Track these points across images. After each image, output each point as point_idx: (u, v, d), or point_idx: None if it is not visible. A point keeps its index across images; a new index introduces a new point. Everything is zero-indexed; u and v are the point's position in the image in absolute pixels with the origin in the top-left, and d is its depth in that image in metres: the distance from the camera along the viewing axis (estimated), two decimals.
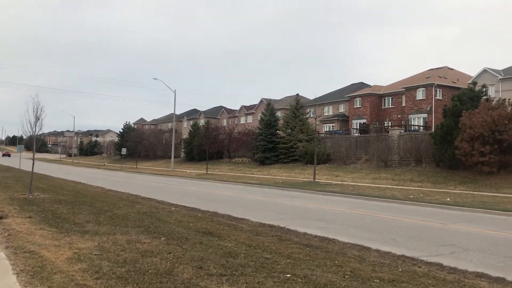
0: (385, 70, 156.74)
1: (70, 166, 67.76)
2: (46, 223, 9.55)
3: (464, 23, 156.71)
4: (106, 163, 74.50)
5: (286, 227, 10.29)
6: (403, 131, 38.73)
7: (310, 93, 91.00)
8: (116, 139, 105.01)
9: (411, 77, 54.24)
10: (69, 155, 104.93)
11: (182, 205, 14.70)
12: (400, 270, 6.23)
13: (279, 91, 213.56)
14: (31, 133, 15.64)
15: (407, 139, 35.23)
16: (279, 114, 55.88)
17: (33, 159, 16.58)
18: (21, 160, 44.67)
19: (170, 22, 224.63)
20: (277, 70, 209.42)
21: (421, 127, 45.71)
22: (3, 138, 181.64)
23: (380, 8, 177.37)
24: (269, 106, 50.22)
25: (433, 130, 43.45)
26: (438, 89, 46.50)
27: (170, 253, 6.81)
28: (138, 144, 72.05)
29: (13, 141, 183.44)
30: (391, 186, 27.28)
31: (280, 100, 75.85)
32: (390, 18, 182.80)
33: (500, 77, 42.24)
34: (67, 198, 15.30)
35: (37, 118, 15.37)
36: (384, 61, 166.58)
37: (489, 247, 9.18)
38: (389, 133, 37.95)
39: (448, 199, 19.96)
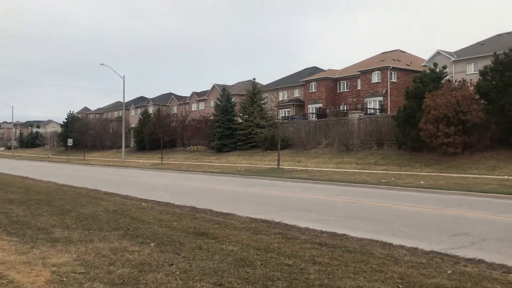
0: (335, 55, 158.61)
1: (10, 159, 63.46)
2: (3, 230, 7.95)
3: (411, 9, 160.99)
4: (50, 155, 70.49)
5: (283, 222, 9.23)
6: (362, 114, 38.62)
7: (262, 79, 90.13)
8: (59, 129, 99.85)
9: (365, 60, 54.46)
10: (8, 148, 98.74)
11: (151, 200, 13.31)
12: (450, 272, 5.32)
13: (228, 77, 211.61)
14: None
15: (367, 123, 35.07)
16: (234, 100, 54.55)
17: None
18: None
19: (114, 11, 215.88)
20: (225, 56, 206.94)
21: (377, 110, 46.00)
22: None
23: None
24: (224, 91, 48.80)
25: (389, 112, 43.86)
26: (393, 72, 46.86)
27: (172, 265, 5.55)
28: (83, 134, 68.46)
29: None
30: (357, 171, 26.89)
31: (232, 86, 74.38)
32: (337, 4, 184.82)
33: (453, 59, 43.06)
34: (19, 197, 13.47)
35: None
36: (334, 47, 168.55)
37: (504, 234, 8.55)
38: (349, 116, 37.71)
39: (422, 182, 19.66)
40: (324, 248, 6.70)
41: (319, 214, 11.13)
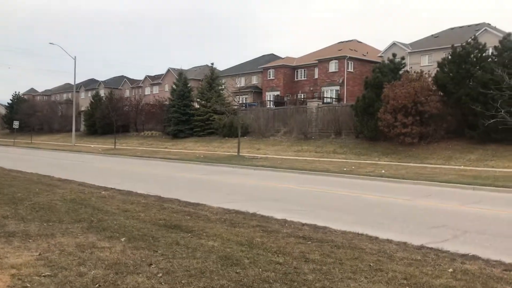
0: (290, 44, 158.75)
1: None
2: None
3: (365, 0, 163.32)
4: None
5: (258, 213, 8.75)
6: (321, 103, 38.71)
7: (218, 65, 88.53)
8: (3, 111, 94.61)
9: (322, 49, 54.60)
10: None
11: (111, 188, 12.47)
12: (451, 270, 5.04)
13: (182, 62, 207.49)
14: None
15: (325, 111, 35.15)
16: (191, 84, 53.33)
17: None
18: None
19: None
20: (178, 40, 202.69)
21: (334, 99, 46.32)
22: None
23: None
24: (181, 75, 47.58)
25: (345, 102, 44.26)
26: (350, 62, 47.23)
27: (151, 264, 4.96)
28: (30, 117, 65.15)
29: None
30: (317, 159, 26.86)
31: (188, 70, 72.77)
32: None
33: (409, 50, 43.89)
34: None
35: None
36: (288, 35, 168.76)
37: (481, 227, 8.49)
38: (307, 105, 37.68)
39: (383, 171, 19.76)
40: (309, 242, 6.29)
41: (292, 204, 10.76)
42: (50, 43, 46.71)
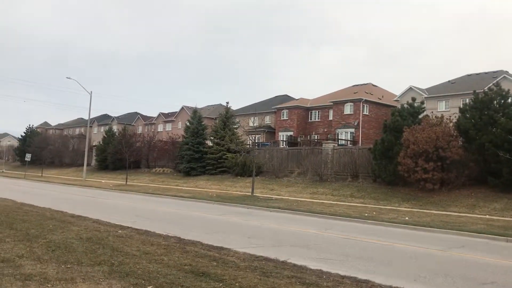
0: (303, 87, 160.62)
1: None
2: None
3: (372, 45, 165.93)
4: (4, 170, 66.67)
5: (290, 262, 8.09)
6: (336, 145, 38.22)
7: (231, 104, 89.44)
8: (15, 143, 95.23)
9: (337, 91, 54.70)
10: None
11: (128, 227, 11.89)
12: None
13: (194, 101, 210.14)
14: None
15: (342, 153, 34.59)
16: (205, 123, 53.33)
17: None
18: None
19: (78, 26, 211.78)
20: (190, 80, 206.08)
21: (349, 142, 45.86)
22: None
23: (294, 29, 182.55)
24: (196, 113, 47.60)
25: (360, 144, 43.78)
26: (365, 105, 47.05)
27: None
28: (42, 150, 65.23)
29: None
30: (334, 202, 26.10)
31: (202, 108, 73.16)
32: (302, 39, 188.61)
33: (425, 95, 43.64)
34: None
35: None
36: (301, 79, 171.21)
37: None
38: (323, 146, 37.18)
39: (407, 218, 18.96)
40: None
41: (321, 252, 10.06)
42: (67, 78, 47.00)
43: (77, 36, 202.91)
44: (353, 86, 54.97)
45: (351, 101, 47.41)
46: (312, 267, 7.64)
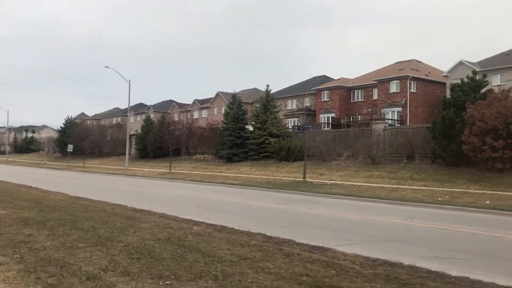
0: (336, 68, 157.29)
1: (5, 165, 60.25)
2: (34, 280, 5.36)
3: (405, 22, 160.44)
4: (46, 161, 67.44)
5: (417, 266, 6.71)
6: (387, 125, 36.33)
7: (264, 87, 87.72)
8: (54, 135, 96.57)
9: (380, 69, 52.37)
10: (1, 153, 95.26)
11: (200, 222, 10.73)
12: None
13: (228, 85, 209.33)
14: None
15: (394, 134, 32.76)
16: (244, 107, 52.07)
17: None
18: None
19: (111, 15, 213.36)
20: (221, 66, 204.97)
21: (396, 121, 43.75)
22: None
23: (320, 9, 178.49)
24: (235, 98, 46.33)
25: (408, 123, 41.68)
26: (412, 82, 44.71)
27: None
28: (82, 141, 65.53)
29: None
30: (396, 186, 24.44)
31: (237, 93, 71.88)
32: (332, 19, 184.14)
33: (478, 69, 40.92)
34: (34, 215, 10.85)
35: None
36: (333, 60, 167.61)
37: None
38: (373, 127, 35.39)
39: (488, 201, 17.24)
40: None
41: (430, 249, 8.60)
42: (106, 67, 46.43)
43: (107, 27, 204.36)
44: (396, 63, 52.50)
45: (396, 78, 45.11)
46: (453, 273, 6.23)
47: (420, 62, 52.14)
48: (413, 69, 46.75)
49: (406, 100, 44.05)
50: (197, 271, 5.91)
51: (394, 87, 45.20)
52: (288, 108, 58.77)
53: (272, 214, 13.82)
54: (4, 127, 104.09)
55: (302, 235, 9.45)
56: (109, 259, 6.45)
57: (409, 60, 51.54)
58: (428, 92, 45.89)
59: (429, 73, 47.81)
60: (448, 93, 38.64)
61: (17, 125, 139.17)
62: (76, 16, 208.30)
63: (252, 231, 9.44)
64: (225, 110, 48.70)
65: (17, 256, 6.40)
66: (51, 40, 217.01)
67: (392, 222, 12.42)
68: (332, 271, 6.21)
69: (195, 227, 9.80)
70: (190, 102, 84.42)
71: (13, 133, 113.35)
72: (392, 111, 45.06)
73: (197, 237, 8.53)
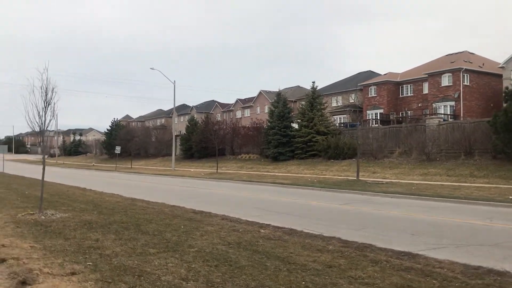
0: (380, 63, 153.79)
1: (56, 167, 61.99)
2: None
3: (450, 15, 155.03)
4: (94, 163, 69.05)
5: (506, 271, 5.89)
6: (441, 120, 34.75)
7: (308, 86, 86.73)
8: (100, 137, 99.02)
9: (430, 62, 50.43)
10: (51, 155, 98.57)
11: (266, 224, 10.16)
12: None
13: (269, 84, 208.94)
14: (39, 124, 10.78)
15: (450, 129, 31.22)
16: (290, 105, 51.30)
17: (43, 164, 11.74)
18: (3, 163, 39.38)
19: (151, 20, 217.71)
20: (262, 65, 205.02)
21: (449, 116, 41.86)
22: None
23: (362, 4, 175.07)
24: (279, 96, 45.70)
25: (461, 118, 39.77)
26: (465, 74, 42.69)
27: None
28: (128, 142, 66.55)
29: None
30: (457, 184, 23.15)
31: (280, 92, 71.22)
32: (377, 13, 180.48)
33: None
34: (95, 218, 10.62)
35: (47, 103, 10.58)
36: (376, 55, 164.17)
37: None
38: (426, 122, 33.93)
39: None
40: None
41: None
42: (151, 68, 46.93)
43: (146, 31, 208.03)
44: (447, 55, 50.37)
45: (449, 71, 43.19)
46: None
47: (473, 53, 49.80)
48: (465, 61, 44.67)
49: (460, 94, 42.10)
50: (285, 281, 5.34)
51: (446, 81, 43.30)
52: (333, 105, 57.60)
53: (337, 215, 13.11)
54: (53, 130, 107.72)
55: (378, 239, 8.76)
56: (186, 266, 5.98)
57: (460, 52, 49.33)
58: (482, 84, 43.72)
59: (483, 64, 45.56)
60: (504, 85, 36.60)
61: (65, 129, 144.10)
62: (120, 20, 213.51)
63: (325, 235, 8.79)
64: (269, 108, 48.18)
65: (90, 263, 6.03)
66: (96, 44, 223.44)
67: (468, 222, 11.46)
68: (434, 281, 5.49)
69: (262, 230, 9.25)
70: (231, 102, 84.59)
71: (62, 136, 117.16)
72: (444, 106, 43.20)
73: (269, 241, 7.97)
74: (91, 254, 6.63)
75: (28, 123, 10.51)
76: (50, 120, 10.76)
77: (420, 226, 10.96)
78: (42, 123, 10.62)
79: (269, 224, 10.07)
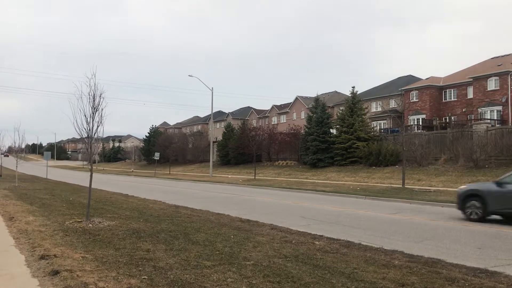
0: (418, 67, 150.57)
1: (96, 173, 62.86)
2: None
3: (485, 18, 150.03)
4: (133, 170, 70.09)
5: None
6: (490, 125, 33.29)
7: (345, 92, 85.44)
8: (139, 144, 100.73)
9: (474, 66, 48.73)
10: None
11: (319, 236, 9.68)
12: None
13: (304, 90, 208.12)
14: (87, 131, 10.68)
15: (499, 135, 29.82)
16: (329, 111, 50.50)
17: (91, 171, 11.65)
18: (44, 169, 40.27)
19: (184, 27, 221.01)
20: (296, 71, 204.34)
21: (496, 121, 40.14)
22: (23, 146, 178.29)
23: (394, 8, 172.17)
24: (318, 102, 45.14)
25: (510, 124, 38.03)
26: None
27: None
28: (166, 149, 67.28)
29: (32, 148, 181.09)
30: None
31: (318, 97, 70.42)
32: (409, 18, 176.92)
33: None
34: (143, 226, 10.39)
35: (95, 109, 10.46)
36: (412, 59, 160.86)
37: None
38: (473, 128, 32.59)
39: None
40: None
41: None
42: (189, 75, 47.56)
43: (185, 39, 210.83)
44: (492, 58, 48.51)
45: (495, 74, 41.49)
46: None
47: None
48: None
49: (507, 98, 40.33)
50: None
51: (492, 85, 41.61)
52: (372, 111, 56.40)
53: (389, 226, 12.45)
54: (100, 137, 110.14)
55: (442, 252, 8.16)
56: (247, 282, 5.57)
57: (507, 55, 47.36)
58: None
59: None
60: None
61: (104, 135, 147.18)
62: (158, 29, 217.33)
63: (386, 248, 8.23)
64: (307, 114, 47.66)
65: (145, 277, 5.71)
66: (134, 53, 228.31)
67: None
68: None
69: (316, 242, 8.76)
70: (266, 108, 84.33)
71: (101, 143, 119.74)
72: (491, 111, 41.48)
73: (327, 255, 7.48)
74: (145, 266, 6.32)
75: (76, 129, 10.45)
76: (98, 126, 10.61)
77: (483, 239, 10.21)
78: (90, 129, 10.49)
79: (322, 236, 9.57)
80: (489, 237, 10.44)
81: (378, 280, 5.82)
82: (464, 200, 13.63)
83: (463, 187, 15.07)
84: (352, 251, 7.86)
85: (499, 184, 12.94)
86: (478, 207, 13.01)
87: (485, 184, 14.50)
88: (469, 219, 13.15)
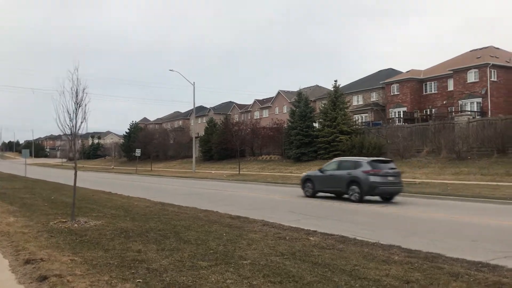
0: (397, 61, 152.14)
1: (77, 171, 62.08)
2: None
3: (464, 13, 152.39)
4: (113, 166, 69.07)
5: None
6: (471, 117, 33.66)
7: (326, 85, 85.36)
8: (118, 140, 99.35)
9: (454, 58, 49.18)
10: (70, 159, 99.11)
11: (312, 231, 9.48)
12: None
13: (286, 85, 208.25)
14: (70, 127, 10.27)
15: (480, 126, 30.16)
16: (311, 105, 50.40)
17: (75, 168, 11.27)
18: (22, 167, 39.29)
19: (165, 23, 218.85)
20: (278, 66, 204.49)
21: (476, 113, 40.63)
22: None
23: (374, 2, 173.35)
24: (301, 96, 45.01)
25: (489, 115, 38.56)
26: (492, 70, 41.44)
27: None
28: (147, 145, 66.36)
29: (9, 146, 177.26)
30: (494, 183, 22.20)
31: (300, 91, 70.42)
32: (390, 11, 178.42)
33: None
34: (130, 225, 10.05)
35: (78, 105, 10.07)
36: (392, 54, 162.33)
37: None
38: (455, 120, 32.92)
39: None
40: None
41: None
42: (170, 70, 46.81)
43: (164, 35, 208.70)
44: (471, 51, 49.00)
45: (475, 67, 41.96)
46: None
47: (498, 48, 48.36)
48: (492, 56, 43.38)
49: (487, 90, 40.87)
50: None
51: (472, 77, 42.11)
52: (354, 104, 56.58)
53: (379, 219, 12.38)
54: (84, 133, 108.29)
55: (437, 246, 8.07)
56: (247, 284, 5.34)
57: (485, 47, 47.93)
58: (510, 80, 42.42)
59: (510, 59, 44.21)
60: None
61: (84, 132, 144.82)
62: (136, 25, 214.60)
63: (383, 243, 8.10)
64: (290, 108, 47.52)
65: (140, 280, 5.43)
66: (114, 49, 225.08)
67: None
68: None
69: (311, 238, 8.58)
70: (249, 102, 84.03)
71: (80, 140, 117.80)
72: (471, 103, 42.00)
73: (324, 251, 7.31)
74: (138, 269, 6.03)
75: (58, 126, 10.04)
76: (81, 123, 10.22)
77: (476, 231, 10.20)
78: (73, 126, 10.10)
79: (315, 231, 9.40)
80: (480, 229, 10.44)
81: (382, 277, 5.67)
82: (304, 183, 19.28)
83: (304, 174, 21.51)
84: (348, 247, 7.71)
85: (321, 171, 18.70)
86: (311, 188, 18.70)
87: (314, 172, 20.02)
88: (306, 195, 18.81)
